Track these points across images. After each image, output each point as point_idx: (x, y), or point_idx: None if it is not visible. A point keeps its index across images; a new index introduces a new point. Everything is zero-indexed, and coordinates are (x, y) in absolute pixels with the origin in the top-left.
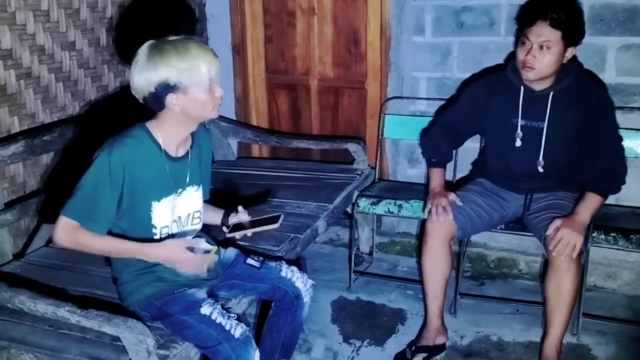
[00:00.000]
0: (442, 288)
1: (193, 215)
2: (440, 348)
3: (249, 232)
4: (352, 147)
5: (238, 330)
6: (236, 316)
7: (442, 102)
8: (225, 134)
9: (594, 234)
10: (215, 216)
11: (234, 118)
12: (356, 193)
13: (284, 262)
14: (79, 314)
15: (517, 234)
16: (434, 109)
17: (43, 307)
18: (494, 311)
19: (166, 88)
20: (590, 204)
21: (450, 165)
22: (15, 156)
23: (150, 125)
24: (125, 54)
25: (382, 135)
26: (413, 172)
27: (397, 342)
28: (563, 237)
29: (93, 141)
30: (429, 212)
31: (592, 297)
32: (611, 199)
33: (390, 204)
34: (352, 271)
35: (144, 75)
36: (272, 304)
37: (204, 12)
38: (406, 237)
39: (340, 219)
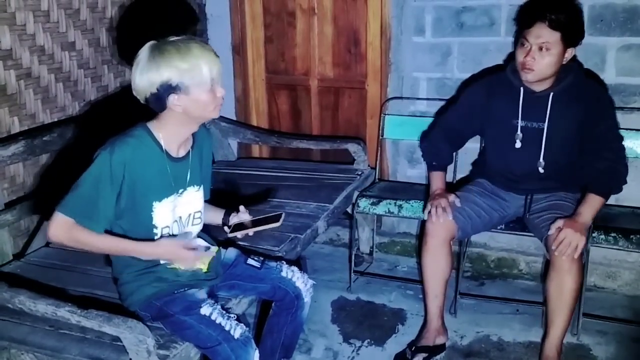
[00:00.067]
0: (442, 288)
1: (194, 216)
2: (440, 348)
3: (250, 232)
4: (352, 147)
5: (238, 331)
6: (236, 316)
7: (442, 103)
8: (226, 134)
9: (594, 234)
10: (215, 216)
11: (234, 118)
12: (356, 193)
13: (285, 262)
14: (79, 314)
15: (517, 234)
16: (434, 110)
17: (43, 307)
18: (494, 311)
19: (168, 89)
20: (591, 205)
21: (450, 166)
22: (15, 156)
23: (152, 125)
24: (125, 54)
25: (382, 136)
26: (413, 172)
27: (397, 342)
28: (565, 237)
29: (93, 141)
30: (429, 212)
31: (592, 297)
32: (611, 199)
33: (390, 204)
34: (352, 271)
35: (146, 76)
36: (273, 304)
37: (204, 12)
38: (406, 237)
39: (341, 219)
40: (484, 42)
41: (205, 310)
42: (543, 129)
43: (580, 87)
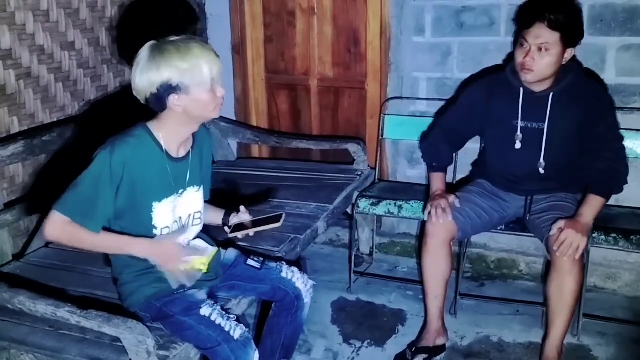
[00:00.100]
0: (443, 289)
1: (194, 216)
2: (441, 349)
3: (251, 232)
4: (352, 147)
5: (237, 332)
6: (236, 317)
7: (442, 103)
8: (225, 134)
9: (594, 235)
10: (216, 216)
11: (234, 118)
12: (356, 194)
13: (285, 263)
14: (79, 315)
15: (517, 235)
16: (434, 110)
17: (43, 307)
18: (494, 312)
19: (168, 89)
20: (592, 205)
21: (450, 167)
22: (14, 156)
23: (152, 125)
24: (125, 54)
25: (382, 136)
26: (413, 172)
27: (397, 343)
28: (567, 238)
29: (93, 141)
30: (429, 213)
31: (593, 298)
32: (611, 200)
33: (390, 204)
34: (352, 272)
35: (146, 76)
36: (273, 305)
37: (204, 11)
38: (406, 237)
39: (340, 220)
40: (484, 42)
41: (205, 311)
42: (543, 129)
43: (580, 87)
